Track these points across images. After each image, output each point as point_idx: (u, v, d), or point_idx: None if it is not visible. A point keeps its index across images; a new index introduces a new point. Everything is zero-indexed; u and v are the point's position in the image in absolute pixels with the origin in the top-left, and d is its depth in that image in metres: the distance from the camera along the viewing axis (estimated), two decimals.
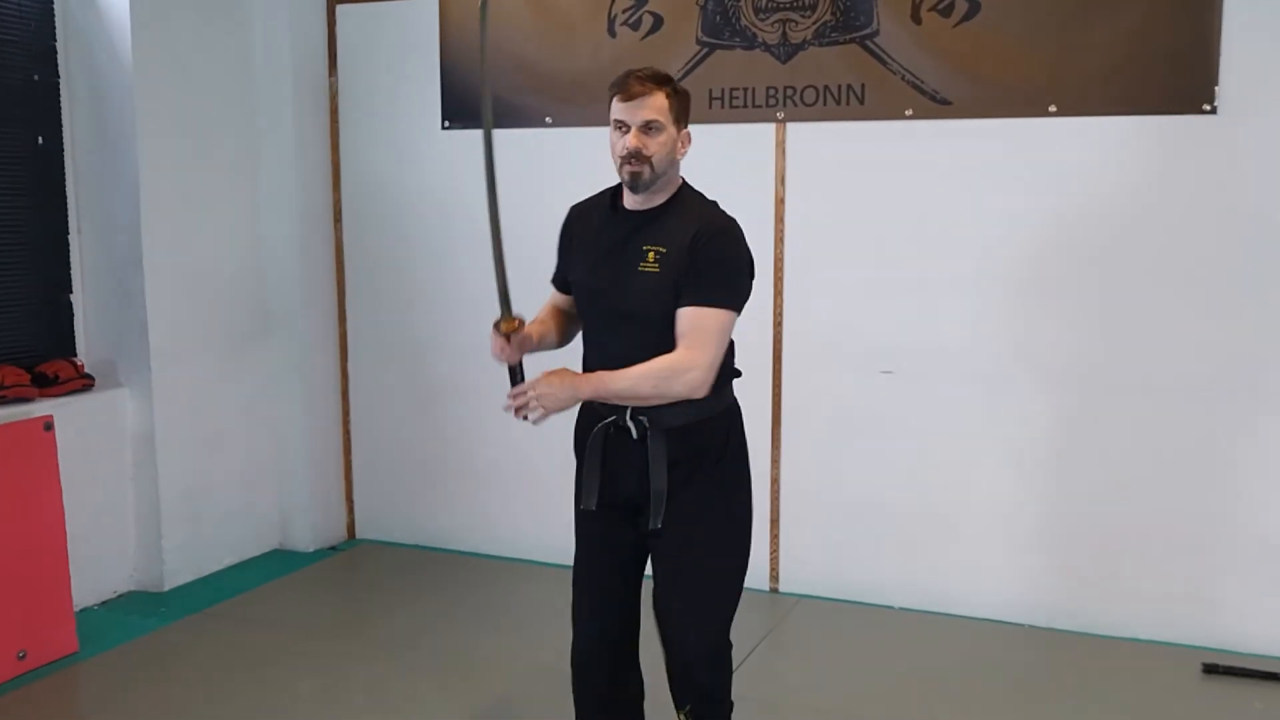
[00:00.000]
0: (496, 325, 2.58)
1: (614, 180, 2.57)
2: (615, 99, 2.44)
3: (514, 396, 2.48)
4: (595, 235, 2.55)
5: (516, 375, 2.56)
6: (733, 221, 2.49)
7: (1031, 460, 3.90)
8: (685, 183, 2.54)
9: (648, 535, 2.49)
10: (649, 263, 2.43)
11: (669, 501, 2.44)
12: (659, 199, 2.48)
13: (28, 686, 3.49)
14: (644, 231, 2.46)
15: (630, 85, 2.42)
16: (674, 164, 2.48)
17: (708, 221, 2.45)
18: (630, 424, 2.44)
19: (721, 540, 2.52)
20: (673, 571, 2.50)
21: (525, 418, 2.47)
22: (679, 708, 2.59)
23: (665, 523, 2.45)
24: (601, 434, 2.48)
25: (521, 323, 2.58)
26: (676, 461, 2.44)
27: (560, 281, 2.71)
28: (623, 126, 2.43)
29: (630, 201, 2.51)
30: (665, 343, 2.39)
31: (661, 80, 2.45)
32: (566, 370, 2.45)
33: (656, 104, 2.41)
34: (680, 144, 2.48)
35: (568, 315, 2.71)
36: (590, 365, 2.52)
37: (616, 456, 2.48)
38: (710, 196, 2.67)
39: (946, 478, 4.01)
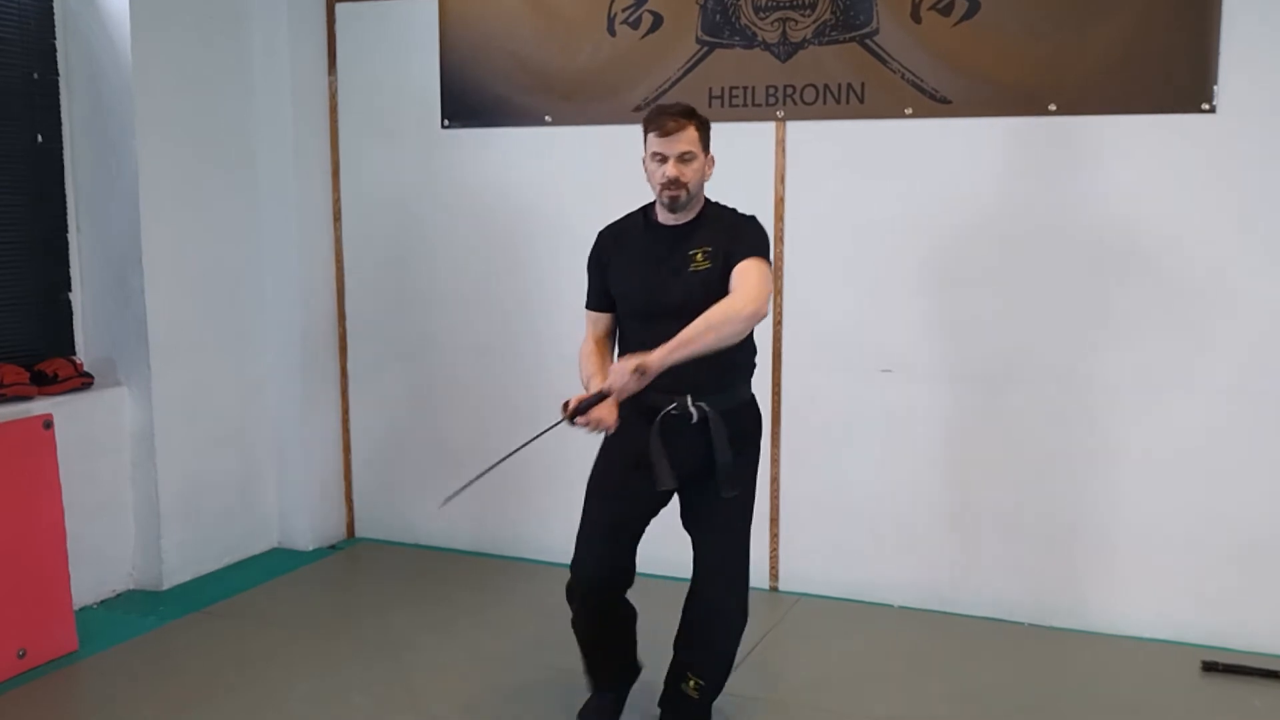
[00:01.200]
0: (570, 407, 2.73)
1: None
2: (652, 134, 2.80)
3: (590, 420, 2.70)
4: (638, 250, 2.91)
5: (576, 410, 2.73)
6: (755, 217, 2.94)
7: (1030, 458, 3.90)
8: (707, 198, 2.95)
9: (713, 500, 2.88)
10: (699, 262, 2.81)
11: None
12: (692, 213, 2.87)
13: (27, 685, 3.48)
14: (687, 240, 2.85)
15: (666, 123, 2.77)
16: (702, 185, 2.86)
17: (738, 217, 2.90)
18: (692, 409, 2.82)
19: (748, 502, 2.96)
20: (721, 523, 2.91)
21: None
22: (686, 679, 2.96)
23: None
24: (660, 423, 2.82)
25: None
26: (730, 439, 2.84)
27: (598, 300, 3.01)
28: (661, 158, 2.78)
29: (667, 218, 2.88)
30: None
31: (690, 114, 2.81)
32: (630, 360, 2.66)
33: (689, 137, 2.78)
34: (707, 167, 2.86)
35: (608, 340, 3.04)
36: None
37: (675, 439, 2.83)
38: (712, 195, 2.96)
39: (946, 476, 4.01)
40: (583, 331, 3.06)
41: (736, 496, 2.89)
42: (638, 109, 4.15)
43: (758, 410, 3.02)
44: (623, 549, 2.92)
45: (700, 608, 2.96)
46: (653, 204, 2.93)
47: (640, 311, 2.90)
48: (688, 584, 3.01)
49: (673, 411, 2.82)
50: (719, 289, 2.75)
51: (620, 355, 2.89)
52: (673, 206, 2.83)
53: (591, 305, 3.03)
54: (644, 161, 2.86)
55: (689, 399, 2.81)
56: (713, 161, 2.88)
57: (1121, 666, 3.61)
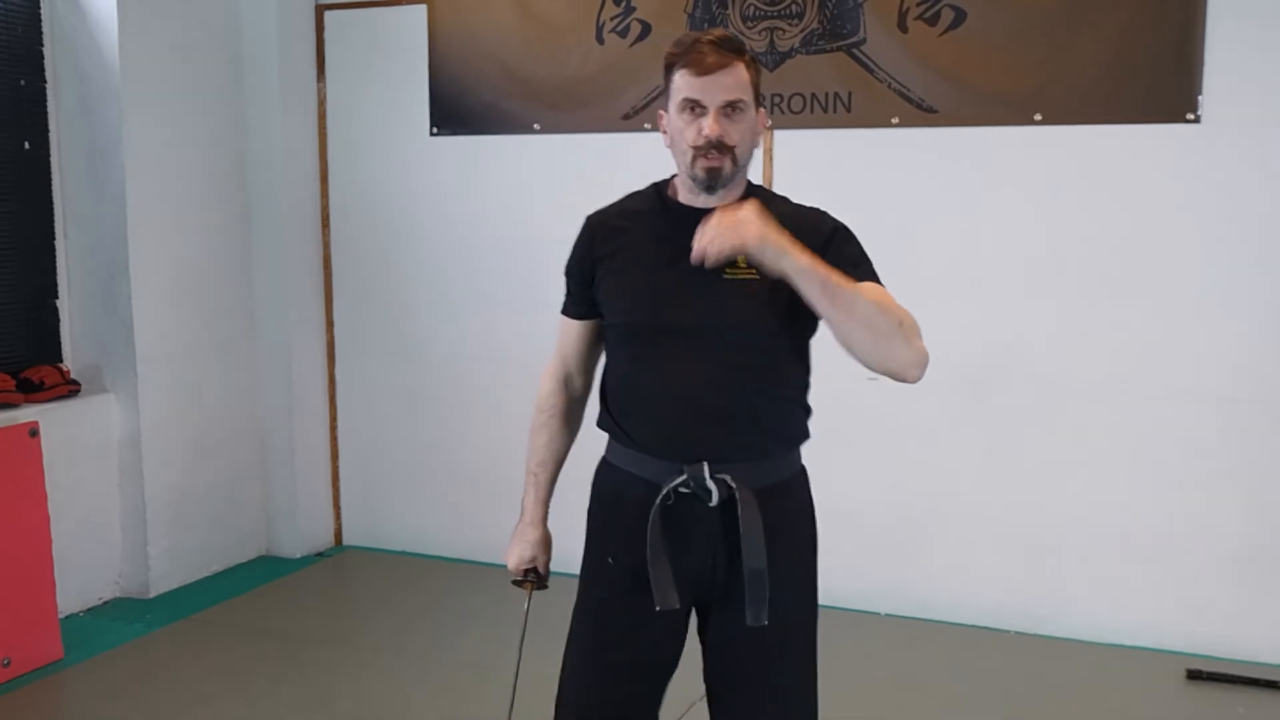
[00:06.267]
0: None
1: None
2: (683, 72, 1.90)
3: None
4: (648, 241, 2.00)
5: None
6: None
7: (1016, 466, 3.92)
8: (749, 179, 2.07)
9: (730, 637, 1.96)
10: (740, 268, 1.89)
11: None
12: (734, 195, 1.98)
13: (12, 694, 3.47)
14: None
15: (705, 56, 1.87)
16: (752, 153, 1.99)
17: (813, 216, 2.03)
18: (712, 484, 1.91)
19: (809, 652, 2.00)
20: (759, 682, 1.97)
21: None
22: None
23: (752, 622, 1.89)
24: (660, 507, 1.91)
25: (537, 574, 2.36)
26: (769, 532, 1.91)
27: (580, 308, 2.10)
28: (696, 108, 1.90)
29: (695, 199, 1.98)
30: (753, 371, 1.95)
31: (739, 48, 1.93)
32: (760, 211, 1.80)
33: (738, 78, 1.89)
34: (760, 127, 1.99)
35: (585, 376, 2.19)
36: (631, 404, 2.01)
37: (677, 532, 1.94)
38: None
39: (932, 484, 4.02)
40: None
41: (789, 635, 1.95)
42: (626, 117, 4.17)
43: (808, 487, 2.06)
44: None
45: None
46: (668, 181, 2.06)
47: (642, 330, 1.99)
48: None
49: (681, 489, 1.92)
50: (767, 314, 1.93)
51: (614, 393, 2.04)
52: (710, 182, 1.92)
53: (571, 311, 2.11)
54: (663, 115, 1.99)
55: (705, 467, 1.91)
56: (766, 120, 2.04)
57: (1106, 674, 3.62)
